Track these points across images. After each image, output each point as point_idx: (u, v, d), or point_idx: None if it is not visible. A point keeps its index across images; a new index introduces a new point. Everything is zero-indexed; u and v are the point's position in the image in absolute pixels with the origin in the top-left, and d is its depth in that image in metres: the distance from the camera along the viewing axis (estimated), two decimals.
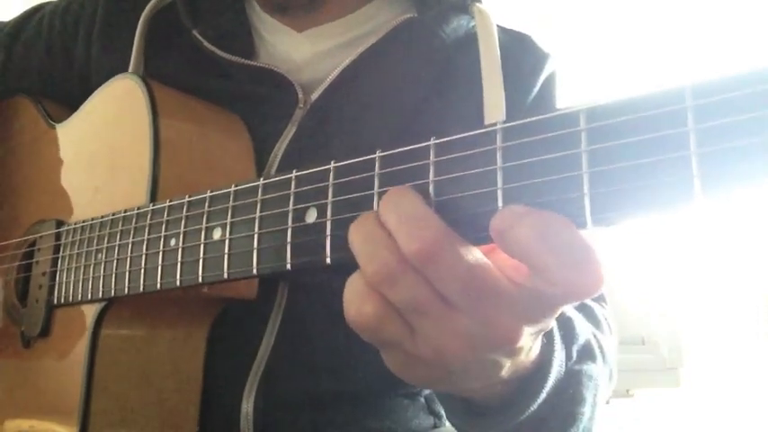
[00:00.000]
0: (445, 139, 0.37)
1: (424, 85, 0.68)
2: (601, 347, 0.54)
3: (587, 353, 0.51)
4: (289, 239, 0.43)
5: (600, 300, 0.67)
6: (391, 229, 0.34)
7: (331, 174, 0.42)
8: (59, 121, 0.75)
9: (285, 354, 0.64)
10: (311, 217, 0.42)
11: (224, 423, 0.64)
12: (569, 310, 0.51)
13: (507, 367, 0.39)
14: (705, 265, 3.17)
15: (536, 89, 0.71)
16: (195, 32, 0.69)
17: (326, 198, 0.42)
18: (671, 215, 0.28)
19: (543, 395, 0.45)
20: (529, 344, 0.39)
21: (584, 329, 0.51)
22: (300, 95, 0.67)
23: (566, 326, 0.49)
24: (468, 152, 0.35)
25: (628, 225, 0.30)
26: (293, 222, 0.43)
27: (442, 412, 0.74)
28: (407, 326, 0.36)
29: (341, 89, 0.67)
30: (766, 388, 2.76)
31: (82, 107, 0.71)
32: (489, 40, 0.68)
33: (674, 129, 0.28)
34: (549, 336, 0.45)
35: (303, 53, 0.70)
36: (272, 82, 0.68)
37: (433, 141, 0.37)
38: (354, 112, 0.67)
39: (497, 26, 0.71)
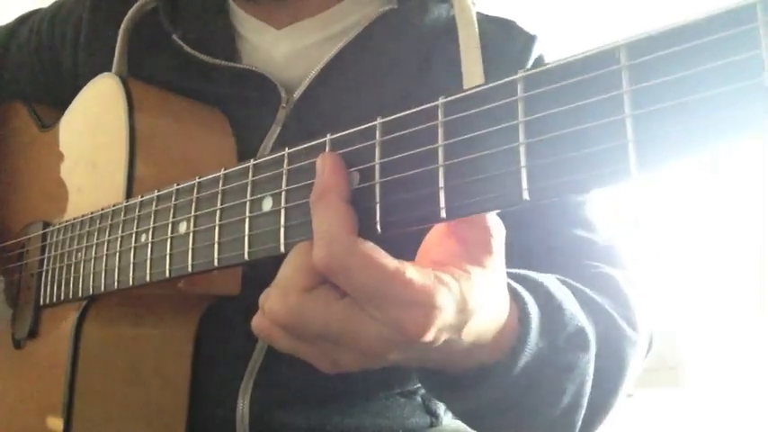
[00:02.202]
0: (391, 117, 0.36)
1: (405, 78, 0.66)
2: (606, 328, 0.52)
3: (579, 342, 0.49)
4: (246, 230, 0.42)
5: (618, 265, 0.63)
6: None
7: (285, 160, 0.41)
8: (51, 124, 0.75)
9: (281, 352, 0.63)
10: (267, 206, 0.41)
11: (219, 422, 0.63)
12: (567, 299, 0.49)
13: (444, 350, 0.39)
14: (704, 265, 3.11)
15: None
16: (175, 37, 0.69)
17: (281, 186, 0.41)
18: (609, 185, 0.27)
19: (516, 372, 0.44)
20: (444, 336, 0.38)
21: (574, 318, 0.49)
22: (283, 95, 0.66)
23: (553, 316, 0.47)
24: (412, 129, 0.34)
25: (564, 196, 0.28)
26: (251, 212, 0.42)
27: (440, 411, 0.72)
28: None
29: (323, 86, 0.66)
30: (766, 388, 2.69)
31: (67, 110, 0.72)
32: (468, 28, 0.66)
33: (607, 92, 0.26)
34: (526, 323, 0.44)
35: (283, 50, 0.69)
36: (254, 83, 0.67)
37: (379, 120, 0.36)
38: (337, 109, 0.66)
39: (480, 14, 0.69)
